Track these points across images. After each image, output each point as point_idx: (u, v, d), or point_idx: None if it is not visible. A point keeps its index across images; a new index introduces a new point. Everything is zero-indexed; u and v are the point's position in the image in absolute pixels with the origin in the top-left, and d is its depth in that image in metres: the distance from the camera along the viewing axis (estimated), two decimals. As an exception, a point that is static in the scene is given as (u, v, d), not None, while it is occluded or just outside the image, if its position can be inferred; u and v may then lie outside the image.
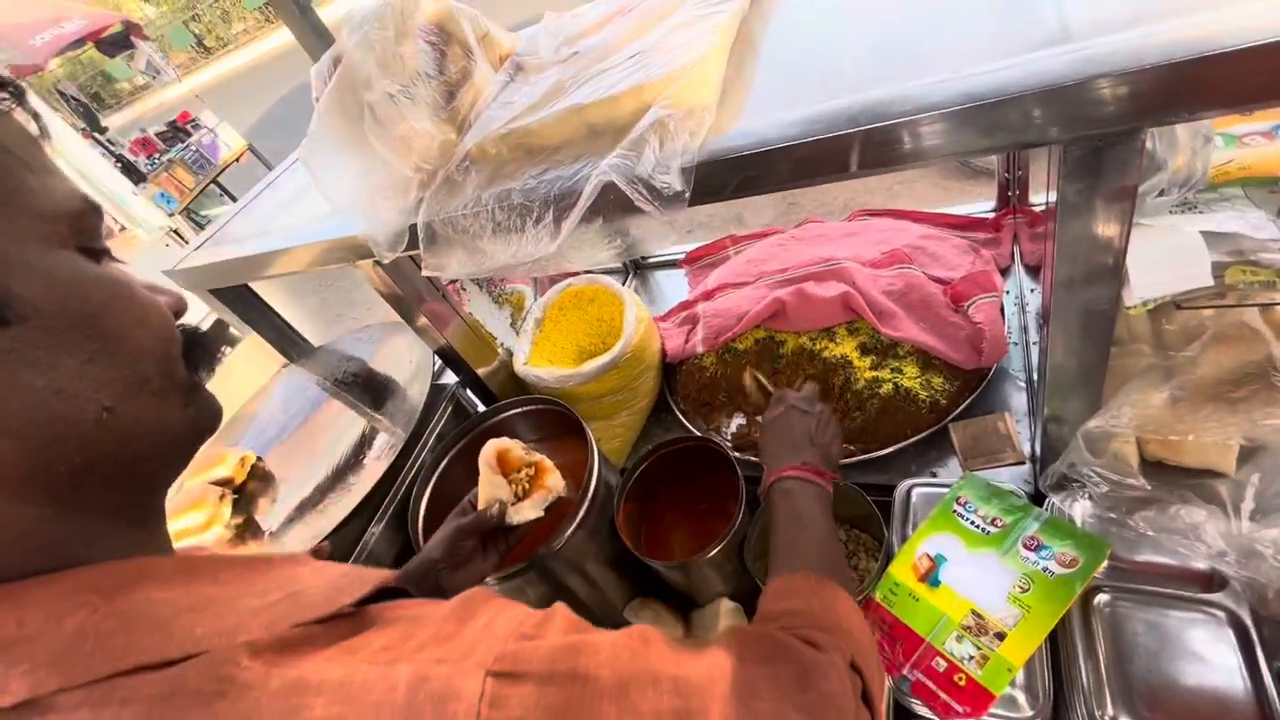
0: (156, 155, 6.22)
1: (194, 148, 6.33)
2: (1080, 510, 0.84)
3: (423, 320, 1.16)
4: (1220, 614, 0.72)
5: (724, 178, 0.67)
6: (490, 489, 0.85)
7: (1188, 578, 0.75)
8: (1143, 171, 0.64)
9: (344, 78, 0.81)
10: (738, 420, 1.24)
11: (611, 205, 0.70)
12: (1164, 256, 0.61)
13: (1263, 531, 0.68)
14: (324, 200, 0.89)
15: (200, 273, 1.22)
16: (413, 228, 0.84)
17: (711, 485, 1.15)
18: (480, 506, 0.85)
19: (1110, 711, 0.70)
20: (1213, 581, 0.74)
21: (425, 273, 0.84)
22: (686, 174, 0.65)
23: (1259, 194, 0.64)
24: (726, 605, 1.01)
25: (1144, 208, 0.65)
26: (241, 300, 1.35)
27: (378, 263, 1.05)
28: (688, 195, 0.65)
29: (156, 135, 6.37)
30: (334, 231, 0.97)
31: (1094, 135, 0.53)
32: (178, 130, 6.53)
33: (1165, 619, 0.73)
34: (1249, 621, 0.70)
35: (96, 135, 5.46)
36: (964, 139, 0.56)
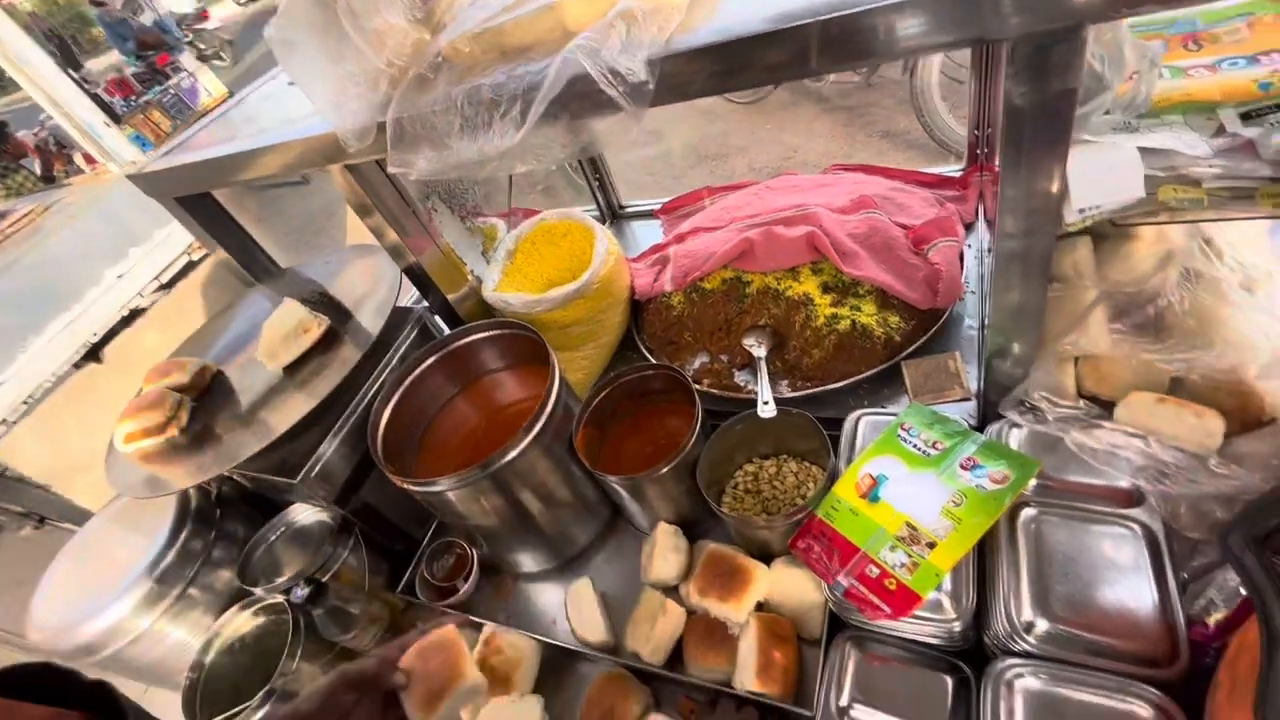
0: (133, 97, 6.05)
1: (172, 91, 6.15)
2: (1016, 438, 0.87)
3: (392, 236, 1.16)
4: (1136, 528, 0.75)
5: (690, 73, 0.68)
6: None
7: (1110, 496, 0.79)
8: (1089, 90, 0.66)
9: (318, -40, 0.79)
10: (701, 358, 1.26)
11: (578, 99, 0.71)
12: (1102, 169, 0.63)
13: (1178, 451, 0.71)
14: (288, 77, 0.88)
15: (164, 177, 1.20)
16: (381, 125, 0.84)
17: (669, 413, 1.17)
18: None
19: (1028, 615, 0.73)
20: (1131, 499, 0.77)
21: (390, 169, 0.84)
22: (652, 65, 0.66)
23: (1198, 120, 0.67)
24: (664, 528, 1.03)
25: (1088, 125, 0.67)
26: (208, 213, 1.33)
27: (348, 167, 1.04)
28: (652, 86, 0.66)
29: (134, 76, 6.19)
30: (302, 134, 0.97)
31: (1040, 32, 0.55)
32: (156, 72, 6.34)
33: (1085, 532, 0.77)
34: (1161, 536, 0.74)
35: (71, 73, 5.29)
36: (918, 33, 0.57)
